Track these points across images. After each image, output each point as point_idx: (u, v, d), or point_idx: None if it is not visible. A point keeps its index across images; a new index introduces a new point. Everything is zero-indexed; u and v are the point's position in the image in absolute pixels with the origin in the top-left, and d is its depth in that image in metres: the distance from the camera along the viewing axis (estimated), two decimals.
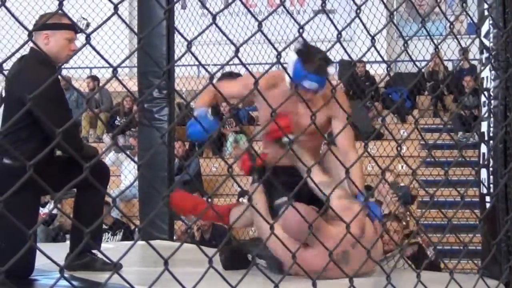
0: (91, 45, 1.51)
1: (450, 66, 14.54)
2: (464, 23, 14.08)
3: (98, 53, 1.59)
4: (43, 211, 11.50)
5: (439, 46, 2.43)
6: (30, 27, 1.54)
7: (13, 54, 1.57)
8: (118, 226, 10.96)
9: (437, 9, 12.98)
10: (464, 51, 13.74)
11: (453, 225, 2.47)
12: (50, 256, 1.61)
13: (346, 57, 10.41)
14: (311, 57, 5.09)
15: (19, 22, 1.63)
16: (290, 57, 5.12)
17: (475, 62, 14.41)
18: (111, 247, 7.20)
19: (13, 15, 1.59)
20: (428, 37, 2.59)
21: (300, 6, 16.76)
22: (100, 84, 15.23)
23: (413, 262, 8.09)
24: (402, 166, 11.61)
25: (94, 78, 15.48)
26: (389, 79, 13.71)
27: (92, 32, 1.58)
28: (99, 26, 1.66)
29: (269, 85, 5.24)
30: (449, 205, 10.50)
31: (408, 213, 9.61)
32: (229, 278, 1.93)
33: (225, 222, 5.71)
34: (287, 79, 5.18)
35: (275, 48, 1.95)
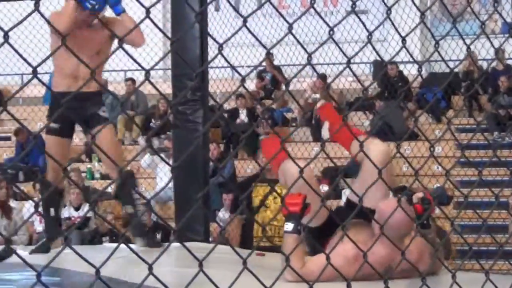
0: (123, 49, 1.52)
1: (485, 65, 14.43)
2: (499, 22, 13.96)
3: (131, 56, 1.60)
4: (78, 214, 11.58)
5: (473, 46, 2.42)
6: None
7: (48, 57, 1.59)
8: (156, 229, 10.99)
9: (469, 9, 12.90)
10: (498, 50, 13.62)
11: (488, 226, 2.45)
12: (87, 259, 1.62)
13: (379, 58, 10.32)
14: None
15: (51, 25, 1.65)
16: None
17: (511, 62, 14.33)
18: (147, 248, 7.24)
19: (47, 21, 1.61)
20: (461, 37, 2.58)
21: (333, 6, 16.73)
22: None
23: None
24: (437, 167, 11.54)
25: (133, 81, 15.56)
26: (423, 79, 13.64)
27: (126, 35, 1.59)
28: (132, 29, 1.68)
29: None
30: (485, 205, 10.41)
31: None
32: (262, 278, 1.93)
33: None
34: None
35: (305, 50, 1.95)
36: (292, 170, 4.90)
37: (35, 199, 11.45)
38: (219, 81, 12.14)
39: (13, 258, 5.41)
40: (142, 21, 1.66)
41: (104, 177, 13.68)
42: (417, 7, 2.70)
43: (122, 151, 6.37)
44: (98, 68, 5.75)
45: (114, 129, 6.17)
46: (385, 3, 1.93)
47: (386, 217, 4.49)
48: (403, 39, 2.00)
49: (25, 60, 1.62)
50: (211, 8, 11.87)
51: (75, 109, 5.73)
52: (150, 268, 1.65)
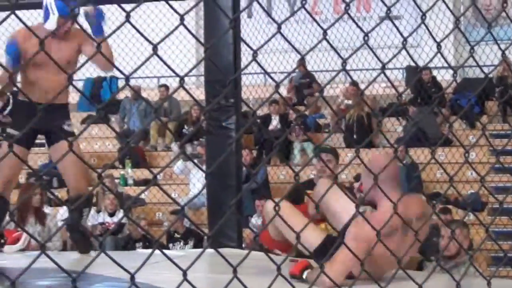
0: (157, 55, 1.53)
1: None
2: None
3: (165, 63, 1.60)
4: (112, 220, 11.63)
5: (507, 51, 2.40)
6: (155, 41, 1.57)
7: (83, 65, 1.60)
8: (189, 235, 11.02)
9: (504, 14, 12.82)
10: None
11: None
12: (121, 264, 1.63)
13: (413, 63, 10.27)
14: None
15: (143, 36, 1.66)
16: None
17: None
18: (181, 254, 7.26)
19: (138, 31, 1.62)
20: (495, 42, 2.56)
21: (366, 12, 16.69)
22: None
23: None
24: (471, 173, 11.48)
25: (166, 87, 15.62)
26: (457, 85, 13.57)
27: (160, 42, 1.60)
28: (166, 36, 1.68)
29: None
30: None
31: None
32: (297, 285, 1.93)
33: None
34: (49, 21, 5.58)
35: (340, 56, 1.94)
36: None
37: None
38: (252, 87, 12.16)
39: (48, 264, 5.44)
40: (176, 28, 1.67)
41: (137, 183, 13.73)
42: (451, 12, 2.69)
43: (84, 167, 6.21)
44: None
45: (78, 145, 6.04)
46: (419, 9, 1.93)
47: (375, 166, 4.63)
48: (438, 45, 1.99)
49: (59, 67, 1.63)
50: (243, 14, 11.88)
51: (41, 119, 5.59)
52: (185, 274, 1.66)
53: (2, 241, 9.93)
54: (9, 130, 5.61)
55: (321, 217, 5.37)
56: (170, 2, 1.90)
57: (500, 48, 2.33)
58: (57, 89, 5.56)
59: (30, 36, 5.41)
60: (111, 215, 11.72)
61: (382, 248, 4.45)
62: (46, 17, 5.52)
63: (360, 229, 4.51)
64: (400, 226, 4.56)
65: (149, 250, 6.47)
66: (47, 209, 10.68)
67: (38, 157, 15.14)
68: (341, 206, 4.97)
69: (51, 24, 5.46)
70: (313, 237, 4.96)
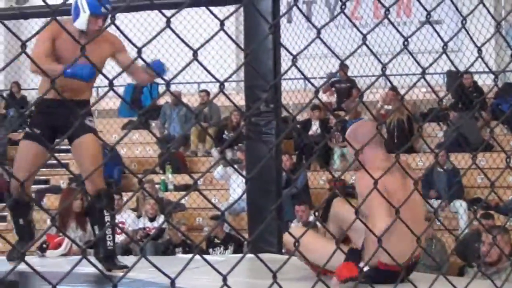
0: (197, 61, 1.53)
1: None
2: None
3: (205, 68, 1.61)
4: (153, 225, 11.68)
5: None
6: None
7: (123, 71, 1.61)
8: (229, 240, 11.03)
9: None
10: None
11: None
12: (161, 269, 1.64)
13: (453, 68, 10.21)
14: None
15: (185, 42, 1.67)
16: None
17: None
18: (221, 260, 7.27)
19: (178, 36, 1.63)
20: None
21: (406, 17, 16.62)
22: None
23: None
24: None
25: (207, 92, 15.67)
26: (498, 90, 13.49)
27: (200, 47, 1.60)
28: (207, 41, 1.68)
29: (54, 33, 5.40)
30: None
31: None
32: None
33: None
34: (79, 19, 5.41)
35: (379, 61, 1.94)
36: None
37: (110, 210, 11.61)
38: (292, 92, 12.16)
39: (87, 268, 5.47)
40: (216, 33, 1.67)
41: (177, 188, 13.77)
42: (492, 17, 2.67)
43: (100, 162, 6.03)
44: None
45: (98, 140, 5.80)
46: (460, 13, 1.92)
47: (359, 132, 4.84)
48: (479, 49, 1.98)
49: (101, 73, 1.64)
50: (283, 20, 11.87)
51: (63, 116, 5.46)
52: (225, 279, 1.66)
53: (44, 246, 10.01)
54: (27, 129, 5.51)
55: (344, 237, 5.31)
56: (210, 8, 1.91)
57: None
58: (79, 86, 5.47)
59: (60, 32, 5.33)
60: (152, 220, 11.77)
61: (401, 193, 4.56)
62: (76, 15, 5.39)
63: (366, 180, 4.53)
64: (395, 169, 4.55)
65: (189, 255, 6.49)
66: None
67: None
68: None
69: (81, 22, 5.34)
70: (336, 255, 4.91)
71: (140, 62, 5.42)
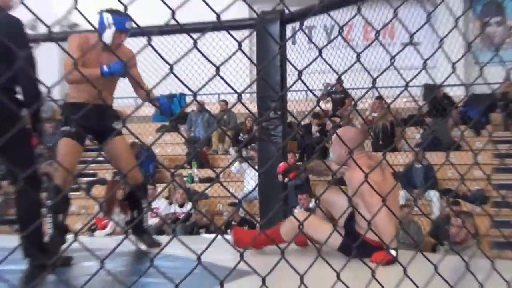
0: (219, 76, 1.53)
1: None
2: None
3: (225, 81, 1.60)
4: (182, 210, 11.69)
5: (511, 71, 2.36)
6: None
7: (158, 83, 1.60)
8: (244, 223, 11.02)
9: (508, 39, 12.69)
10: None
11: None
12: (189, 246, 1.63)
13: (430, 81, 10.16)
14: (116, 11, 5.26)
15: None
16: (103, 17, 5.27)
17: None
18: None
19: (203, 54, 1.62)
20: (500, 63, 2.53)
21: (391, 39, 16.60)
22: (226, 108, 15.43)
23: None
24: (477, 172, 11.37)
25: (226, 102, 15.72)
26: (466, 99, 13.47)
27: (221, 64, 1.59)
28: (226, 60, 1.67)
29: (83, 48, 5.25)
30: None
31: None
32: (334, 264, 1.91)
33: (278, 242, 5.45)
34: (106, 34, 5.27)
35: (371, 75, 1.93)
36: None
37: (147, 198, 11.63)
38: (296, 102, 12.11)
39: (127, 247, 5.48)
40: (234, 53, 1.66)
41: (201, 180, 13.78)
42: (463, 39, 2.65)
43: (134, 158, 5.91)
44: (111, 87, 5.51)
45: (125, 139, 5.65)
46: (437, 35, 1.90)
47: (346, 137, 4.88)
48: (453, 66, 1.97)
49: (138, 84, 1.64)
50: (289, 41, 11.85)
51: (93, 119, 5.34)
52: (241, 255, 1.65)
53: (93, 227, 10.03)
54: (63, 128, 5.37)
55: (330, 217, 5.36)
56: (230, 31, 1.90)
57: (504, 68, 2.30)
58: (104, 92, 5.39)
59: (87, 43, 5.27)
60: (181, 206, 11.80)
61: (383, 185, 4.59)
62: (102, 30, 5.27)
63: (358, 175, 4.61)
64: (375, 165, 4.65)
65: (212, 235, 6.44)
66: None
67: None
68: (343, 198, 5.04)
69: (108, 37, 5.23)
70: (334, 235, 4.96)
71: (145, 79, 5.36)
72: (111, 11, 5.27)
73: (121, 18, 5.23)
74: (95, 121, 5.29)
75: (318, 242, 5.11)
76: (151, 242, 5.63)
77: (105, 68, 5.08)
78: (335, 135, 5.32)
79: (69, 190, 5.88)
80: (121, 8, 1.40)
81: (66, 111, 5.13)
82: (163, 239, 6.56)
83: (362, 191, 4.60)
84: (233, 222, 11.00)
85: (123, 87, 5.62)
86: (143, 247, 5.60)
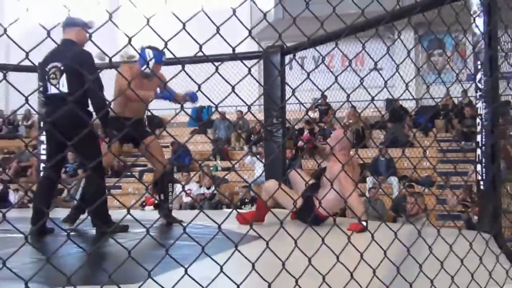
0: (235, 92, 1.52)
1: (456, 100, 14.23)
2: (465, 74, 13.64)
3: (239, 97, 1.59)
4: (208, 191, 11.67)
5: (450, 89, 2.35)
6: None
7: (224, 99, 1.59)
8: (254, 201, 11.01)
9: (447, 66, 12.69)
10: (466, 91, 13.32)
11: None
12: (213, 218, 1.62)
13: (390, 96, 10.09)
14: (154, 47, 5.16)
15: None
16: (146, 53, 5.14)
17: (472, 98, 13.95)
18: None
19: (222, 77, 1.61)
20: (442, 83, 2.51)
21: (361, 65, 16.56)
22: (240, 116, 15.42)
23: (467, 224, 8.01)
24: (425, 163, 11.34)
25: (241, 112, 15.72)
26: (417, 109, 13.44)
27: (236, 84, 1.58)
28: (240, 81, 1.67)
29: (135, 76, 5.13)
30: (458, 187, 10.16)
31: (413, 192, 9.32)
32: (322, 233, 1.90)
33: (261, 210, 5.42)
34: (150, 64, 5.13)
35: (346, 92, 1.92)
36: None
37: (182, 183, 11.64)
38: (292, 111, 12.12)
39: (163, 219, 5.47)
40: (245, 76, 1.66)
41: (223, 169, 13.78)
42: (415, 65, 2.63)
43: (163, 152, 5.78)
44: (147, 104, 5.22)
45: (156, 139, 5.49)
46: (395, 62, 1.89)
47: (335, 136, 4.88)
48: (406, 85, 1.95)
49: (175, 99, 1.63)
50: (287, 67, 11.85)
51: (132, 129, 5.12)
52: (251, 225, 1.65)
53: (144, 203, 10.04)
54: (112, 131, 5.26)
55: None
56: (243, 61, 1.90)
57: (445, 86, 2.28)
58: (141, 109, 5.31)
59: (134, 70, 5.14)
60: (208, 188, 11.78)
61: (351, 173, 4.62)
62: (145, 61, 5.13)
63: (338, 165, 4.68)
64: (348, 159, 4.74)
65: (229, 210, 6.40)
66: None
67: (165, 153, 15.28)
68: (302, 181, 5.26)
69: (148, 67, 5.11)
70: (299, 201, 5.02)
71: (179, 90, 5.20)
72: (151, 48, 5.17)
73: (159, 53, 5.14)
74: (133, 131, 5.14)
75: (283, 206, 5.18)
76: (172, 220, 5.45)
77: (159, 92, 5.02)
78: (333, 134, 5.36)
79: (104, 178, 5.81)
80: (160, 43, 1.39)
81: (113, 123, 5.02)
82: (194, 213, 6.54)
83: (343, 177, 4.61)
84: (246, 200, 10.98)
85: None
86: (186, 212, 5.56)
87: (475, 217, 8.35)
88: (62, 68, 4.42)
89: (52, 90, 4.44)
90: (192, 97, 5.16)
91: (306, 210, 4.99)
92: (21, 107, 1.35)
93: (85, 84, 4.27)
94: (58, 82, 4.40)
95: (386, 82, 1.95)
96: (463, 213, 9.18)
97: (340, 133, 5.28)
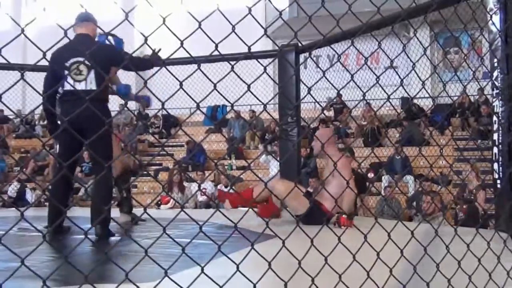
0: (250, 91, 1.52)
1: (472, 99, 14.14)
2: (481, 72, 13.54)
3: (255, 96, 1.59)
4: (227, 189, 11.69)
5: (466, 87, 2.33)
6: None
7: (239, 98, 1.59)
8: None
9: (463, 64, 12.59)
10: (483, 89, 13.23)
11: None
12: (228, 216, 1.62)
13: (406, 95, 10.01)
14: None
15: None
16: None
17: (488, 96, 13.85)
18: None
19: (238, 76, 1.61)
20: (458, 81, 2.49)
21: (376, 64, 16.48)
22: (255, 115, 15.42)
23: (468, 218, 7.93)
24: (442, 161, 11.26)
25: (254, 112, 15.71)
26: (433, 108, 13.37)
27: (251, 83, 1.58)
28: (255, 79, 1.67)
29: None
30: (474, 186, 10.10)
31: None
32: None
33: (247, 198, 5.43)
34: None
35: (361, 90, 1.91)
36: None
37: (198, 181, 11.67)
38: (307, 110, 12.11)
39: (183, 216, 5.48)
40: (261, 75, 1.65)
41: (238, 168, 13.79)
42: (431, 62, 2.62)
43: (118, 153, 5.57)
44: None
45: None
46: (411, 60, 1.88)
47: (323, 135, 4.82)
48: (423, 83, 1.94)
49: (190, 97, 1.63)
50: (301, 66, 11.82)
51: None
52: (267, 223, 1.64)
53: (160, 202, 10.08)
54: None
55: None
56: (259, 59, 1.89)
57: (462, 84, 2.26)
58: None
59: None
60: (226, 187, 11.81)
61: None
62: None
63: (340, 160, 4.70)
64: (340, 155, 4.84)
65: (245, 209, 6.38)
66: (185, 183, 10.81)
67: (179, 152, 15.34)
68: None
69: None
70: (303, 205, 5.00)
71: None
72: (112, 35, 4.92)
73: (119, 40, 4.95)
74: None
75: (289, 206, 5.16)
76: (136, 218, 5.34)
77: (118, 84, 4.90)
78: (318, 134, 5.32)
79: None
80: (176, 42, 1.39)
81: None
82: (210, 212, 6.56)
83: (340, 170, 4.62)
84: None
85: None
86: (201, 212, 5.57)
87: (461, 215, 8.34)
88: (89, 64, 4.22)
89: (66, 86, 4.27)
90: (147, 101, 5.08)
91: (313, 212, 4.98)
92: (38, 106, 1.36)
93: (108, 80, 4.23)
94: (85, 79, 4.24)
95: (402, 80, 1.93)
96: (453, 209, 9.17)
97: (325, 131, 5.28)
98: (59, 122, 4.56)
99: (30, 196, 12.01)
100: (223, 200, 5.31)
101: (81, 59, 4.25)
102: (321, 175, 10.04)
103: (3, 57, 1.09)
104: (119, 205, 5.52)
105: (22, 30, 1.16)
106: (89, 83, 4.23)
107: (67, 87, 4.28)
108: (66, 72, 4.25)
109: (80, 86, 4.23)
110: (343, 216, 4.75)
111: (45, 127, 17.80)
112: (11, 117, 17.89)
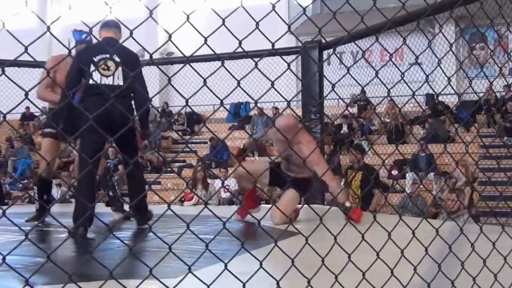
0: (274, 88, 1.52)
1: (498, 95, 13.96)
2: (508, 68, 13.35)
3: (278, 92, 1.59)
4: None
5: (493, 83, 2.30)
6: None
7: (263, 95, 1.59)
8: None
9: (489, 60, 12.44)
10: (509, 86, 13.05)
11: (503, 197, 2.33)
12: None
13: (431, 91, 9.89)
14: None
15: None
16: None
17: None
18: None
19: (262, 73, 1.61)
20: (484, 77, 2.46)
21: (400, 60, 16.34)
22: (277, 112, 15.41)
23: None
24: (467, 159, 11.15)
25: (277, 108, 15.70)
26: (458, 104, 13.24)
27: (275, 80, 1.58)
28: (279, 76, 1.66)
29: None
30: (499, 184, 9.95)
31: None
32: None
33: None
34: None
35: (386, 87, 1.89)
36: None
37: (222, 178, 11.69)
38: (330, 107, 12.06)
39: (208, 212, 5.50)
40: (285, 71, 1.65)
41: None
42: (456, 58, 2.59)
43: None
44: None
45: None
46: (436, 56, 1.86)
47: (284, 125, 4.65)
48: (449, 79, 1.92)
49: (214, 94, 1.64)
50: (325, 63, 11.79)
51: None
52: (290, 220, 1.64)
53: (183, 199, 10.14)
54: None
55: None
56: (282, 56, 1.89)
57: (489, 80, 2.23)
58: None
59: (53, 64, 4.64)
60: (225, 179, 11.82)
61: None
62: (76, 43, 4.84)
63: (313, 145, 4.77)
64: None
65: (269, 206, 6.40)
66: (209, 180, 10.86)
67: (203, 149, 15.39)
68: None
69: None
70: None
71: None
72: (75, 30, 4.91)
73: (77, 33, 4.91)
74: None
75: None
76: (126, 215, 5.22)
77: None
78: (283, 127, 4.83)
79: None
80: (200, 39, 1.39)
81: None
82: (233, 208, 6.58)
83: (315, 155, 4.72)
84: None
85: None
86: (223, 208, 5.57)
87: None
88: (119, 60, 4.30)
89: (96, 78, 4.27)
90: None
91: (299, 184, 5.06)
92: (64, 102, 1.37)
93: (131, 80, 4.26)
94: (113, 74, 4.28)
95: (427, 76, 1.91)
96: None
97: (286, 121, 4.80)
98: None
99: (55, 192, 12.16)
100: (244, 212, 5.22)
101: (107, 56, 4.29)
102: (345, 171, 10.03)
103: (29, 54, 1.10)
104: (108, 205, 5.47)
105: (48, 28, 1.17)
106: (116, 79, 4.28)
107: (97, 79, 4.28)
108: (93, 68, 4.27)
109: (108, 81, 4.27)
110: (356, 208, 4.74)
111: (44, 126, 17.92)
112: (37, 114, 18.12)
